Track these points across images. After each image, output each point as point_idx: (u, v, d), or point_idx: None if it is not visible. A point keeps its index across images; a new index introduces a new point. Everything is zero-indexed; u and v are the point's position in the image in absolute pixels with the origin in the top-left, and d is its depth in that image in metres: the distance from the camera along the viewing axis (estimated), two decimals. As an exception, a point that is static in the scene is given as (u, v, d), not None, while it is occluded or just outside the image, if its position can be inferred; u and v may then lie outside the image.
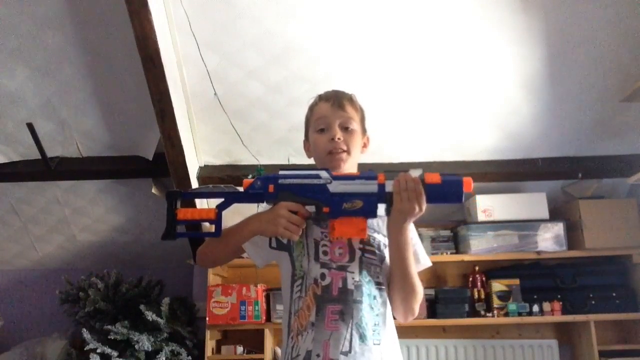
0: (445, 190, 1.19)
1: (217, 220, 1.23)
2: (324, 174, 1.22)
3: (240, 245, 1.32)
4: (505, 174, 2.95)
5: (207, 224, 1.29)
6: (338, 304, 1.22)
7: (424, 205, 1.18)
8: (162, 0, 2.24)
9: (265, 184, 1.22)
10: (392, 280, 1.28)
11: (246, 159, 2.89)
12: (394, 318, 1.34)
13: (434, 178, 1.19)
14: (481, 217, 2.95)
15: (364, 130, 1.44)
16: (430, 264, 1.39)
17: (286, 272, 1.33)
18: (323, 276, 1.25)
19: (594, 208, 2.96)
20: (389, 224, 1.23)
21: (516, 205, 2.98)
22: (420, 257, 1.36)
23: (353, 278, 1.25)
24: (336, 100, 1.38)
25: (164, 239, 1.23)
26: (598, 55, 2.46)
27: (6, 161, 2.90)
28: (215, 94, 2.54)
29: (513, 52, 2.45)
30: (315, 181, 1.21)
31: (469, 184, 1.19)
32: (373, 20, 2.32)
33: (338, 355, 1.19)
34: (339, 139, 1.34)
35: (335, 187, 1.20)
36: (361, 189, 1.20)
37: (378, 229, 1.32)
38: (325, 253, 1.26)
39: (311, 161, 1.45)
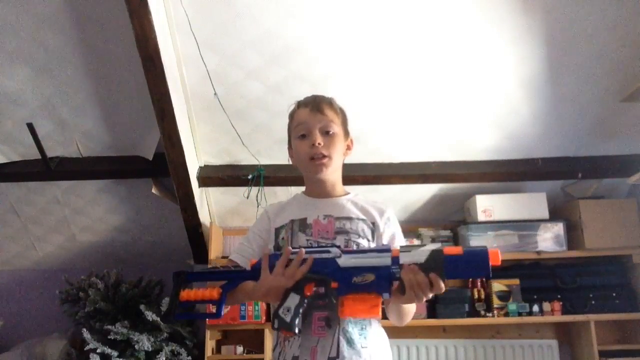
0: (466, 262, 1.05)
1: (219, 301, 1.18)
2: (334, 249, 1.15)
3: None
4: (505, 174, 2.95)
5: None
6: (324, 311, 1.22)
7: (430, 296, 1.09)
8: (162, 0, 2.24)
9: (272, 260, 1.16)
10: (389, 308, 1.29)
11: (246, 159, 2.89)
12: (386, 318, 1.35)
13: (455, 250, 1.07)
14: (481, 217, 2.95)
15: (346, 133, 1.40)
16: None
17: None
18: None
19: (594, 208, 2.96)
20: (395, 294, 1.16)
21: (516, 205, 2.98)
22: None
23: None
24: (315, 105, 1.36)
25: (163, 320, 1.24)
26: (598, 55, 2.46)
27: (6, 161, 2.90)
28: (215, 94, 2.54)
29: (513, 52, 2.45)
30: (325, 255, 1.14)
31: (495, 255, 1.04)
32: (373, 20, 2.32)
33: None
34: (319, 144, 1.31)
35: (345, 261, 1.12)
36: (373, 263, 1.10)
37: (362, 234, 1.31)
38: None
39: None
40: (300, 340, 1.22)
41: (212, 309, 1.20)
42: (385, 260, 1.10)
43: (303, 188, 1.46)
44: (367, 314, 1.12)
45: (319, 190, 1.39)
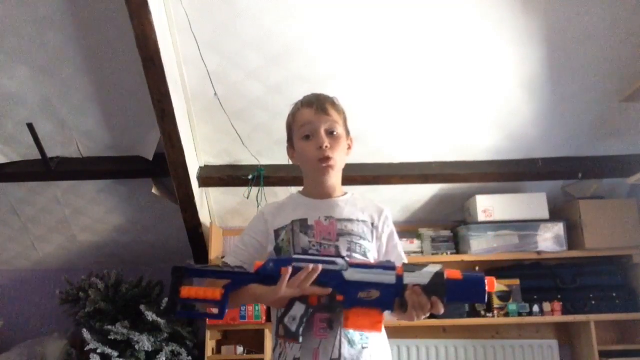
0: (465, 288, 1.13)
1: (222, 302, 1.16)
2: (340, 260, 1.16)
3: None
4: (505, 174, 2.95)
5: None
6: (326, 312, 1.22)
7: (428, 314, 1.14)
8: (162, 0, 2.24)
9: (277, 266, 1.16)
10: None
11: (246, 159, 2.89)
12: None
13: (455, 274, 1.13)
14: (481, 217, 2.95)
15: (347, 132, 1.40)
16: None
17: None
18: None
19: (594, 208, 2.96)
20: (396, 310, 1.18)
21: (516, 205, 2.98)
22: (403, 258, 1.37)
23: None
24: (319, 105, 1.34)
25: (164, 316, 1.21)
26: (598, 55, 2.46)
27: (6, 161, 2.90)
28: (215, 94, 2.54)
29: (513, 52, 2.45)
30: (331, 267, 1.15)
31: (492, 282, 1.12)
32: (373, 20, 2.32)
33: None
34: (326, 146, 1.31)
35: (351, 274, 1.14)
36: (378, 279, 1.13)
37: (363, 235, 1.31)
38: None
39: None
40: (302, 342, 1.22)
41: (214, 309, 1.18)
42: (389, 277, 1.13)
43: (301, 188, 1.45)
44: (370, 328, 1.16)
45: (319, 191, 1.38)
